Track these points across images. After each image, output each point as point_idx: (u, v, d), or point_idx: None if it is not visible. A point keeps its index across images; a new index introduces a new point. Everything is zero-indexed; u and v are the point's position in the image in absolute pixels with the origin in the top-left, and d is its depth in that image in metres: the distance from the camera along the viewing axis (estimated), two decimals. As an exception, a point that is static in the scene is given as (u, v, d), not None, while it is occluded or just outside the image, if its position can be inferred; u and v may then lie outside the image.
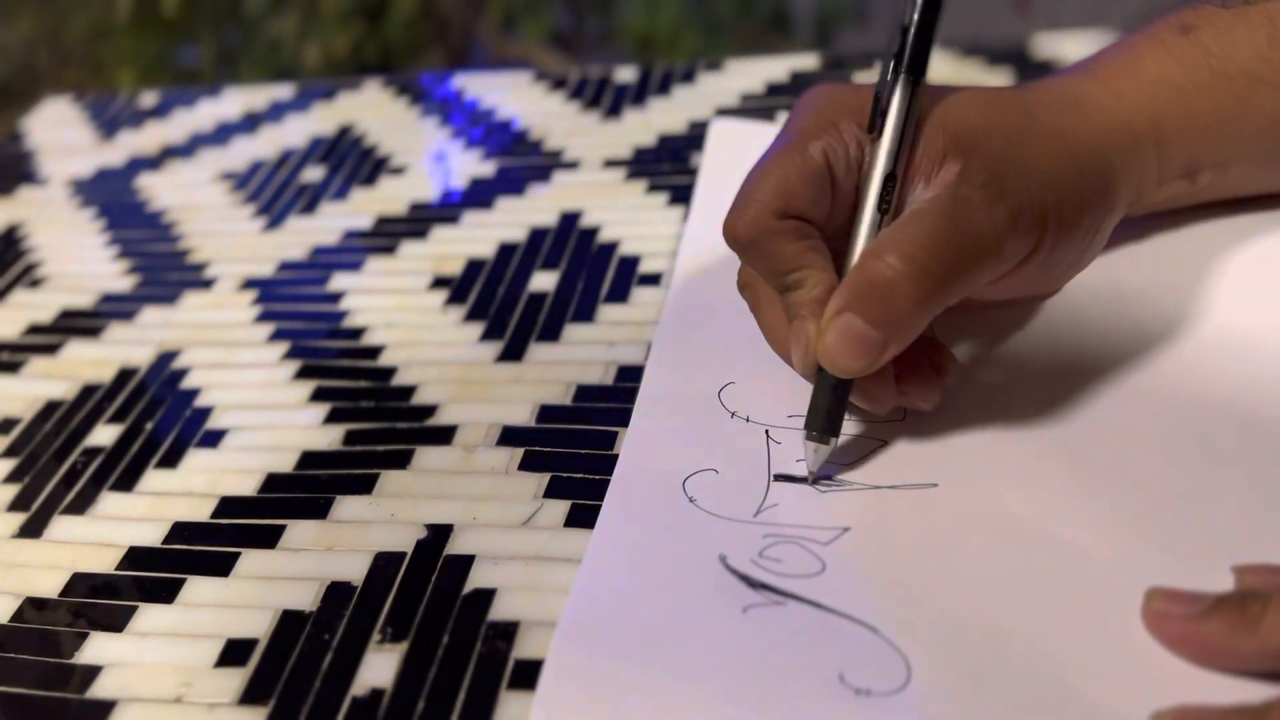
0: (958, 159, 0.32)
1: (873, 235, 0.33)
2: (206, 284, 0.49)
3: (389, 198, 0.53)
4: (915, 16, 0.32)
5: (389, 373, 0.42)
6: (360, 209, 0.53)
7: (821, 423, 0.33)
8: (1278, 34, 0.36)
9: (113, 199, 0.57)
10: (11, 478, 0.40)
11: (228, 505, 0.37)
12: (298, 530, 0.36)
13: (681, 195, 0.49)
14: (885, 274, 0.30)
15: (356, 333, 0.45)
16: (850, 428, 0.35)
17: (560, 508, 0.35)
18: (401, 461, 0.38)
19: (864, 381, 0.33)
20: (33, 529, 0.38)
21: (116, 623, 0.34)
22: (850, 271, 0.32)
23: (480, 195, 0.52)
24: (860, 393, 0.33)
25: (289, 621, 0.33)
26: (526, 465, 0.37)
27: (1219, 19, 0.37)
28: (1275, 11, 0.37)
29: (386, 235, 0.51)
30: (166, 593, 0.34)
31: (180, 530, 0.37)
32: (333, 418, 0.40)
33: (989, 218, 0.31)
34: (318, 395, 0.41)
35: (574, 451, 0.37)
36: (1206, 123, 0.36)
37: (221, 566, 0.35)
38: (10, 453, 0.41)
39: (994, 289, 0.33)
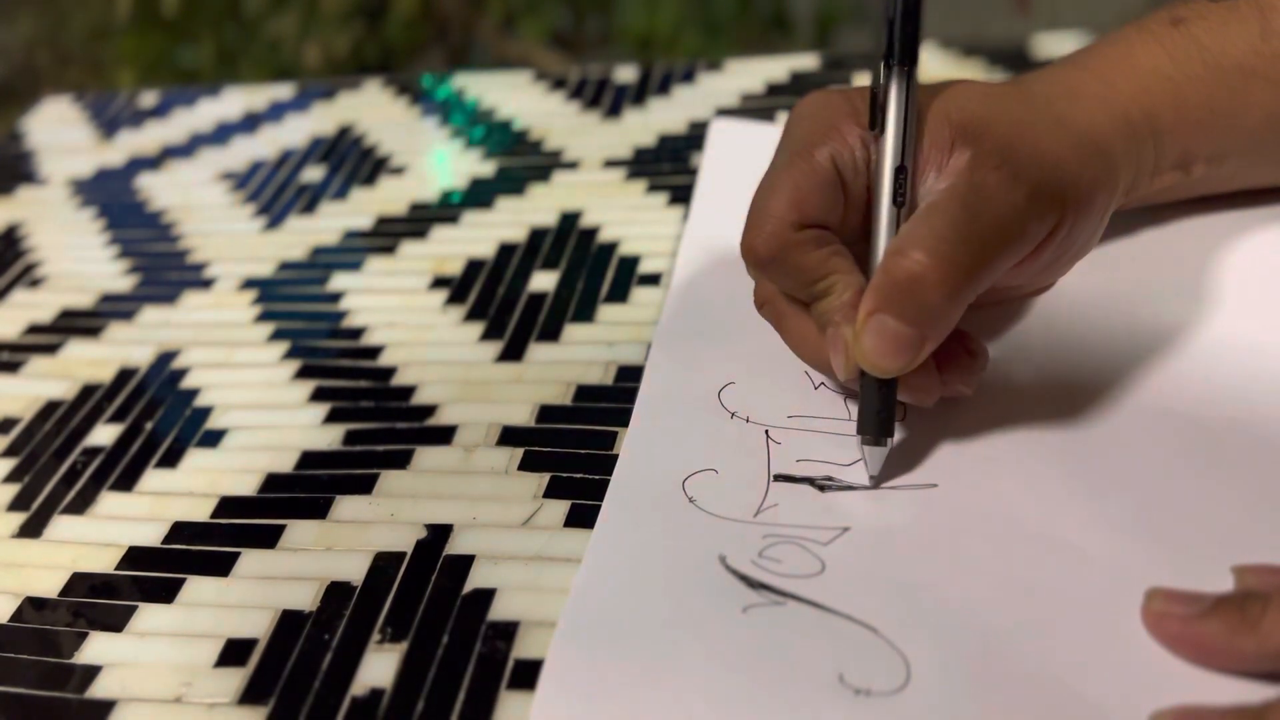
0: (967, 146, 0.32)
1: (892, 230, 0.32)
2: (206, 284, 0.49)
3: (389, 198, 0.53)
4: (899, 7, 0.32)
5: (389, 373, 0.42)
6: (360, 209, 0.53)
7: (874, 425, 0.32)
8: (1269, 27, 0.36)
9: (113, 199, 0.57)
10: (11, 477, 0.40)
11: (228, 505, 0.37)
12: (298, 530, 0.36)
13: (681, 195, 0.49)
14: (912, 270, 0.30)
15: (356, 333, 0.45)
16: (849, 428, 0.35)
17: (560, 508, 0.35)
18: (401, 461, 0.38)
19: (908, 376, 0.32)
20: (33, 529, 0.38)
21: (116, 623, 0.34)
22: (876, 272, 0.31)
23: (480, 195, 0.52)
24: (905, 388, 0.33)
25: (289, 621, 0.33)
26: (526, 465, 0.37)
27: (1210, 12, 0.37)
28: (1266, 5, 0.37)
29: (386, 235, 0.51)
30: (166, 593, 0.34)
31: (180, 530, 0.37)
32: (333, 418, 0.40)
33: (1008, 200, 0.31)
34: (318, 395, 0.41)
35: (574, 451, 0.37)
36: (1199, 115, 0.36)
37: (221, 566, 0.35)
38: (10, 452, 0.41)
39: (1007, 275, 0.33)
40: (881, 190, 0.33)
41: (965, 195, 0.31)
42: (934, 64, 0.56)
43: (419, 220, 0.51)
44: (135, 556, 0.36)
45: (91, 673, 0.32)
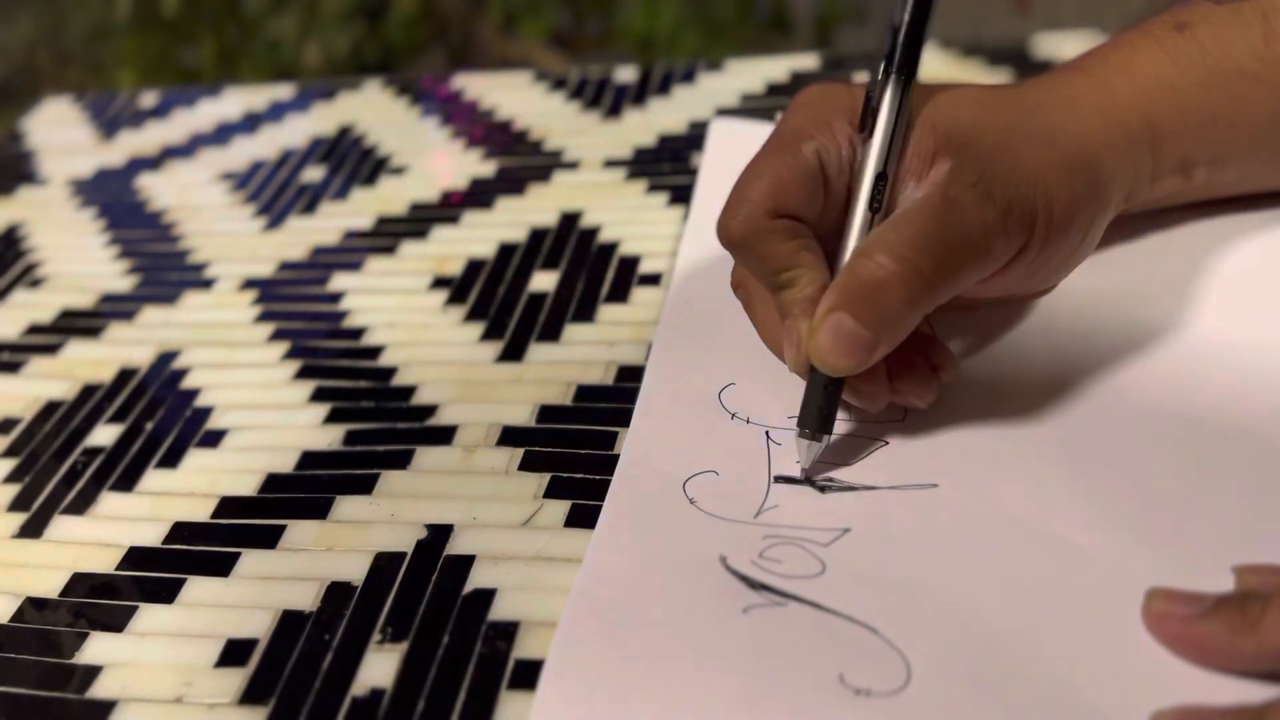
0: (948, 158, 0.32)
1: (864, 234, 0.33)
2: (206, 284, 0.49)
3: (389, 198, 0.53)
4: (905, 17, 0.32)
5: (389, 373, 0.42)
6: (360, 209, 0.53)
7: (814, 421, 0.33)
8: (1272, 31, 0.37)
9: (113, 199, 0.57)
10: (11, 478, 0.40)
11: (228, 505, 0.37)
12: (298, 530, 0.36)
13: (681, 195, 0.49)
14: (875, 274, 0.30)
15: (356, 333, 0.45)
16: (850, 428, 0.35)
17: (560, 508, 0.35)
18: (401, 461, 0.38)
19: (857, 380, 0.33)
20: (33, 529, 0.38)
21: (116, 623, 0.34)
22: (841, 271, 0.32)
23: (480, 195, 0.52)
24: (853, 391, 0.33)
25: (289, 621, 0.33)
26: (526, 465, 0.37)
27: (1213, 16, 0.37)
28: (1270, 8, 0.37)
29: (386, 235, 0.51)
30: (166, 593, 0.34)
31: (180, 530, 0.37)
32: (333, 418, 0.40)
33: (978, 217, 0.31)
34: (318, 395, 0.41)
35: (574, 451, 0.37)
36: (1201, 120, 0.37)
37: (221, 566, 0.35)
38: (10, 453, 0.41)
39: (984, 287, 0.33)
40: (859, 194, 0.33)
41: (938, 208, 0.31)
42: (934, 64, 0.56)
43: (419, 220, 0.51)
44: (135, 556, 0.36)
45: (92, 673, 0.32)
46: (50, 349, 0.47)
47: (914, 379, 0.34)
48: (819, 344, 0.31)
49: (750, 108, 0.56)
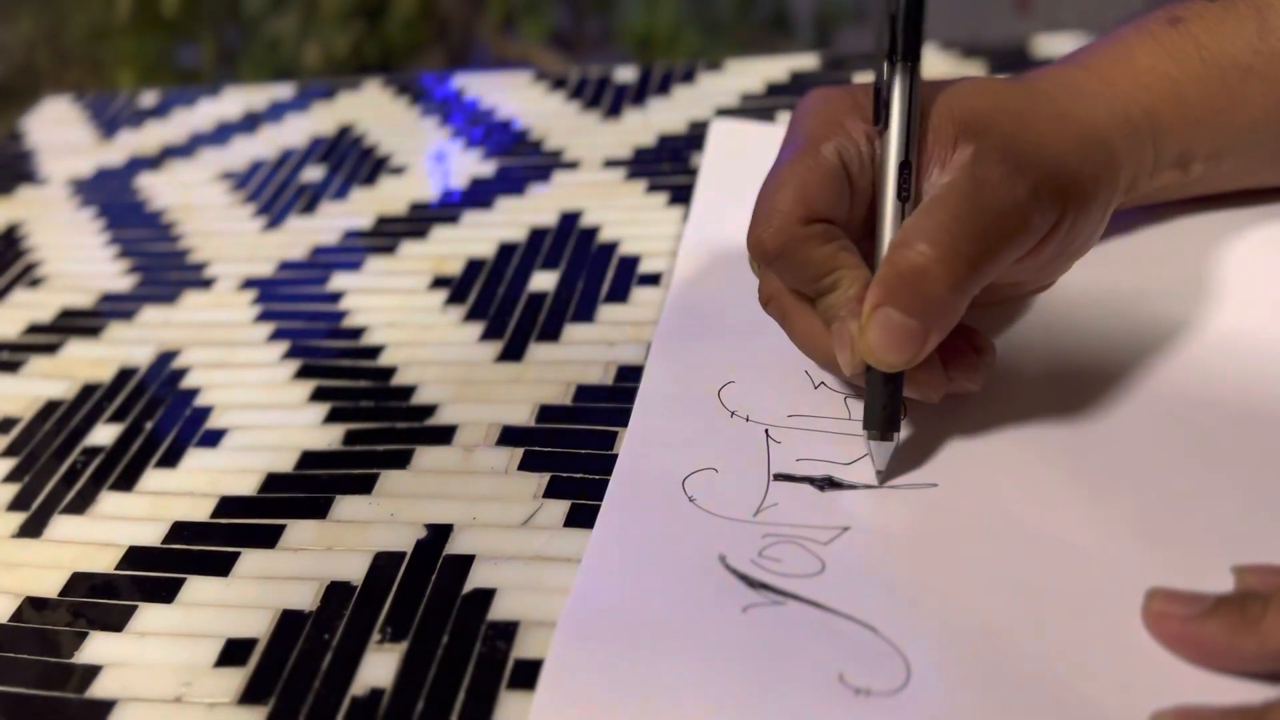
0: (970, 141, 0.32)
1: (897, 224, 0.32)
2: (206, 284, 0.49)
3: (389, 198, 0.53)
4: (902, 3, 0.32)
5: (389, 373, 0.42)
6: (360, 209, 0.53)
7: (879, 421, 0.32)
8: (1266, 25, 0.37)
9: (113, 199, 0.57)
10: (11, 477, 0.40)
11: (228, 505, 0.37)
12: (298, 530, 0.36)
13: (681, 195, 0.49)
14: (916, 262, 0.30)
15: (356, 333, 0.45)
16: (849, 427, 0.35)
17: (560, 508, 0.35)
18: (401, 461, 0.38)
19: (914, 372, 0.32)
20: (33, 529, 0.38)
21: (116, 622, 0.34)
22: (881, 265, 0.31)
23: (480, 195, 0.52)
24: (911, 384, 0.33)
25: (289, 621, 0.33)
26: (526, 465, 0.37)
27: (1208, 12, 0.37)
28: (1264, 3, 0.37)
29: (386, 235, 0.51)
30: (166, 592, 0.34)
31: (180, 530, 0.37)
32: (333, 418, 0.40)
33: (1011, 193, 0.31)
34: (318, 395, 0.41)
35: (574, 451, 0.37)
36: (1198, 114, 0.37)
37: (221, 566, 0.35)
38: (10, 452, 0.41)
39: (1006, 273, 0.33)
40: (886, 185, 0.33)
41: (968, 189, 0.31)
42: (934, 65, 0.56)
43: (419, 220, 0.51)
44: (135, 556, 0.36)
45: (91, 673, 0.32)
46: (50, 349, 0.47)
47: (964, 365, 0.34)
48: (871, 341, 0.31)
49: (750, 108, 0.56)
